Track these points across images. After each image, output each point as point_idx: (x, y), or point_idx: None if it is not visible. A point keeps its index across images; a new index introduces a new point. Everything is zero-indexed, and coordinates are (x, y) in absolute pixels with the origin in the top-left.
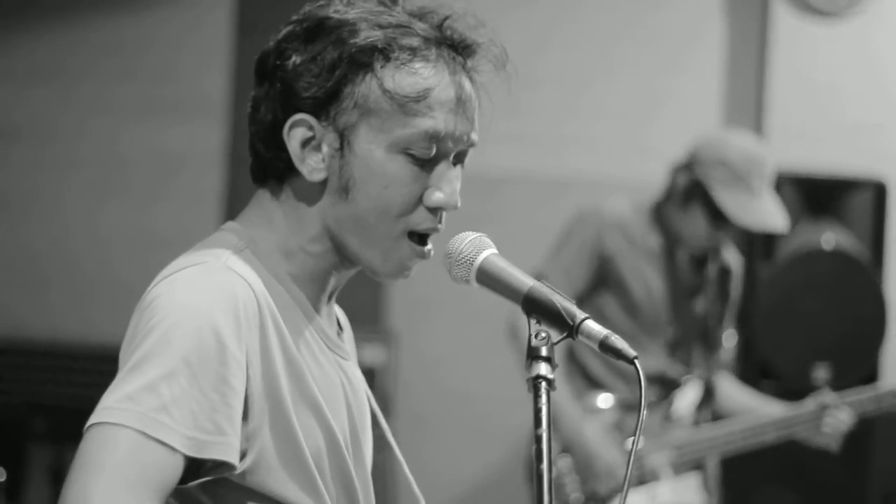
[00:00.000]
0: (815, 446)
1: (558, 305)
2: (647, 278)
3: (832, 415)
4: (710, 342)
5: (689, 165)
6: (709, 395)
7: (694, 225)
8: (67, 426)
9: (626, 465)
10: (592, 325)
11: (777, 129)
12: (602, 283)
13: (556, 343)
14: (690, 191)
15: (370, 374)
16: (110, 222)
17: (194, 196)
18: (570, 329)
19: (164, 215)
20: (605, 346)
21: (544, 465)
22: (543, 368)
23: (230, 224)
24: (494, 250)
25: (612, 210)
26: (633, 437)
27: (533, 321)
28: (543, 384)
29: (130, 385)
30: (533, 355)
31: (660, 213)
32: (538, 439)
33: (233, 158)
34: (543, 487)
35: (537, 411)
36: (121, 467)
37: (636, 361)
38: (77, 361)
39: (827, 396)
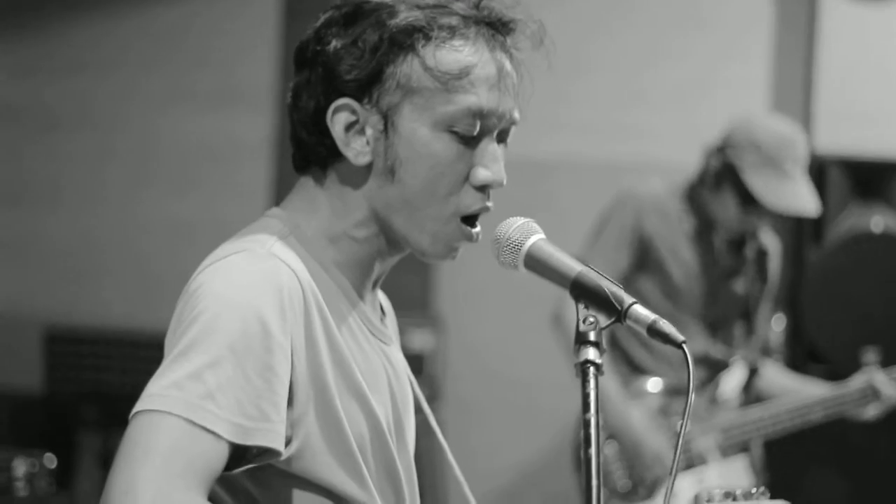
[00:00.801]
0: (862, 421)
1: (606, 290)
2: (685, 260)
3: (881, 393)
4: (751, 323)
5: (721, 148)
6: (753, 376)
7: (726, 208)
8: (116, 413)
9: (675, 449)
10: (640, 310)
11: (825, 113)
12: (642, 265)
13: (604, 328)
14: (722, 174)
15: (418, 360)
16: (153, 211)
17: (238, 186)
18: (617, 314)
19: (209, 205)
20: (653, 331)
21: (592, 450)
22: (591, 353)
23: (274, 210)
24: (542, 235)
25: (649, 192)
26: (681, 421)
27: (581, 306)
28: (591, 369)
29: (176, 372)
30: (581, 340)
31: (693, 196)
32: (586, 424)
33: (280, 148)
34: (592, 472)
35: (585, 396)
36: (166, 455)
37: (684, 346)
38: (124, 349)
39: (875, 375)
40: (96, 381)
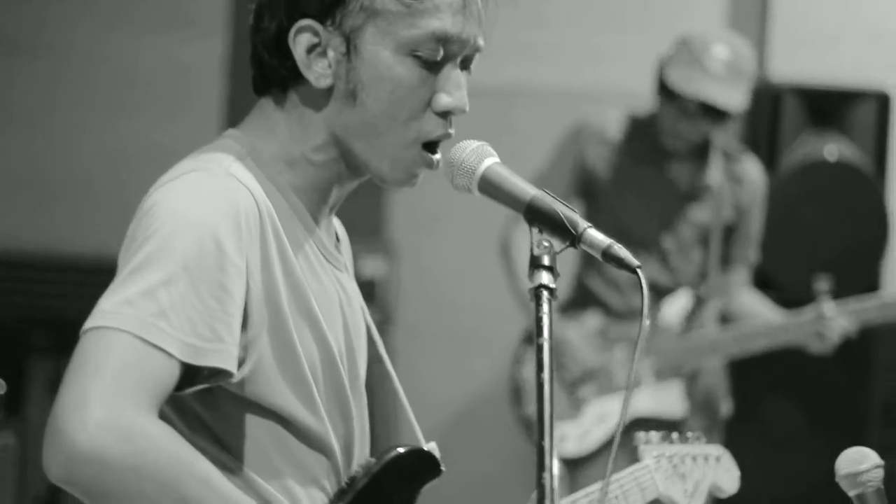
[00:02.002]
0: (811, 353)
1: (561, 214)
2: (634, 188)
3: (828, 324)
4: (712, 251)
5: (662, 57)
6: (700, 305)
7: (661, 115)
8: (66, 339)
9: (626, 393)
10: (595, 234)
11: (780, 40)
12: (590, 197)
13: (558, 252)
14: (657, 79)
15: (370, 286)
16: (102, 136)
17: (188, 110)
18: (572, 238)
19: (159, 129)
20: (608, 255)
21: (545, 375)
22: (545, 278)
23: (231, 131)
24: (497, 159)
25: (597, 123)
26: (618, 344)
27: (535, 230)
28: (545, 293)
29: (129, 290)
30: (535, 264)
31: (650, 120)
32: (539, 349)
33: (231, 72)
34: (545, 397)
35: (538, 320)
36: (117, 372)
37: (639, 271)
38: (73, 274)
39: (825, 306)
40: (46, 308)
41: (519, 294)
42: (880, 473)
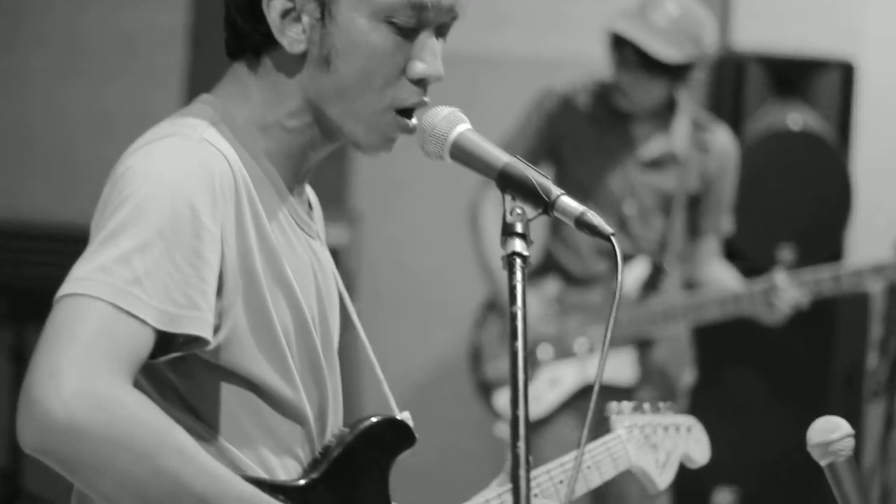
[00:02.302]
0: (764, 324)
1: (533, 181)
2: (598, 155)
3: (780, 295)
4: (674, 219)
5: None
6: (659, 273)
7: (614, 76)
8: (29, 308)
9: (598, 372)
10: (568, 202)
11: (744, 9)
12: (556, 164)
13: (531, 220)
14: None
15: (333, 254)
16: (72, 102)
17: (154, 76)
18: (545, 205)
19: (127, 95)
20: (581, 223)
21: (519, 343)
22: (518, 245)
23: (205, 97)
24: (469, 125)
25: (562, 90)
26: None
27: (508, 197)
28: (518, 261)
29: (103, 256)
30: (508, 232)
31: (608, 86)
32: (513, 317)
33: (195, 37)
34: (518, 365)
35: (512, 288)
36: (92, 339)
37: (612, 238)
38: (40, 242)
39: (778, 276)
40: (9, 275)
41: (484, 262)
42: (851, 443)
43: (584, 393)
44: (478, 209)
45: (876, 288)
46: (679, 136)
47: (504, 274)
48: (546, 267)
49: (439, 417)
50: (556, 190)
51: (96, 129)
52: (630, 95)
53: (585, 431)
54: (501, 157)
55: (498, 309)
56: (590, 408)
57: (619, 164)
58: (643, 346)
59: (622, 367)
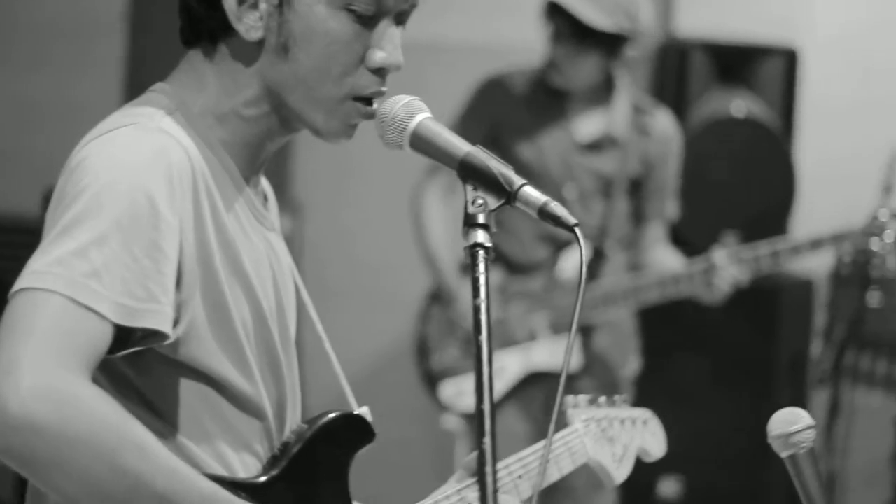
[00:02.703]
0: (704, 303)
1: (495, 171)
2: (538, 137)
3: (719, 273)
4: (615, 204)
5: None
6: (599, 257)
7: (549, 49)
8: None
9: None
10: (531, 192)
11: None
12: (496, 148)
13: (493, 210)
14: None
15: None
16: (17, 91)
17: (91, 64)
18: (507, 195)
19: (60, 83)
20: (545, 213)
21: (483, 337)
22: (481, 236)
23: (160, 85)
24: (429, 114)
25: (497, 74)
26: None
27: (469, 187)
28: (481, 252)
29: (59, 249)
30: (470, 223)
31: (545, 70)
32: (476, 310)
33: (134, 24)
34: (483, 359)
35: (475, 281)
36: (49, 334)
37: (576, 228)
38: None
39: (717, 255)
40: None
41: (428, 253)
42: (812, 434)
43: (528, 382)
44: (420, 199)
45: (821, 272)
46: (619, 118)
47: (445, 263)
48: None
49: (385, 408)
50: (518, 179)
51: (26, 117)
52: (563, 69)
53: (553, 425)
54: (462, 147)
55: (441, 300)
56: (557, 398)
57: (557, 147)
58: (585, 332)
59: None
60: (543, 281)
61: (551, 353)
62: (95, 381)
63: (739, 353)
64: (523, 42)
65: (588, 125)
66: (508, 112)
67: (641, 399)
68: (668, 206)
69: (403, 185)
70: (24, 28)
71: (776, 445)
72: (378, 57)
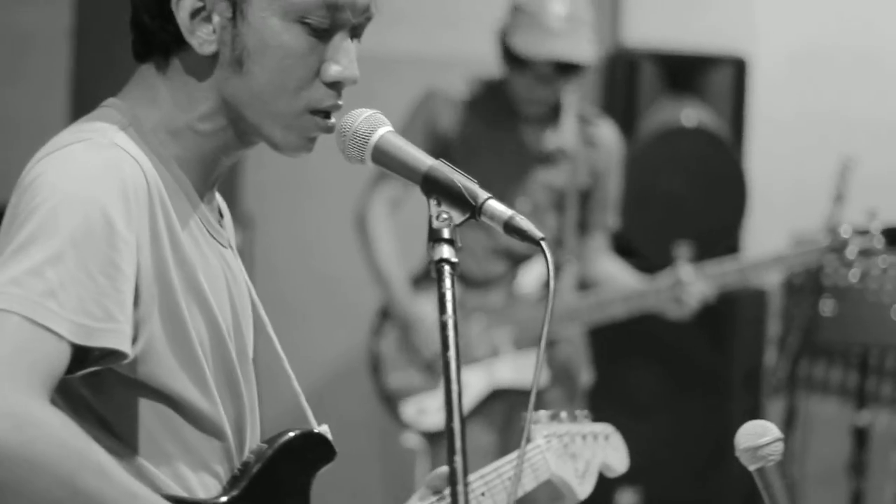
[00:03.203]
0: (669, 319)
1: (460, 185)
2: (487, 153)
3: (687, 289)
4: (568, 216)
5: (500, 24)
6: (556, 270)
7: (512, 83)
8: None
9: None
10: (496, 206)
11: (635, 5)
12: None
13: (458, 225)
14: (501, 47)
15: None
16: None
17: (33, 79)
18: (472, 209)
19: (12, 99)
20: (510, 227)
21: (451, 353)
22: (447, 251)
23: (111, 100)
24: (390, 128)
25: (446, 89)
26: (475, 314)
27: (433, 202)
28: (447, 268)
29: (13, 269)
30: (435, 237)
31: (499, 85)
32: (444, 326)
33: (78, 39)
34: (451, 376)
35: (441, 296)
36: (6, 355)
37: (543, 242)
38: None
39: (683, 270)
40: None
41: (376, 268)
42: (781, 447)
43: (492, 398)
44: (366, 213)
45: (774, 281)
46: (567, 131)
47: (396, 279)
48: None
49: (340, 423)
50: (482, 193)
51: None
52: (538, 102)
53: (524, 441)
54: (425, 161)
55: (394, 318)
56: (527, 414)
57: (509, 162)
58: (550, 346)
59: (530, 369)
60: (503, 296)
61: (515, 368)
62: (52, 402)
63: (694, 362)
64: (468, 54)
65: (539, 139)
66: (457, 126)
67: (598, 410)
68: (611, 217)
69: (355, 196)
70: None
71: (744, 458)
72: (333, 70)
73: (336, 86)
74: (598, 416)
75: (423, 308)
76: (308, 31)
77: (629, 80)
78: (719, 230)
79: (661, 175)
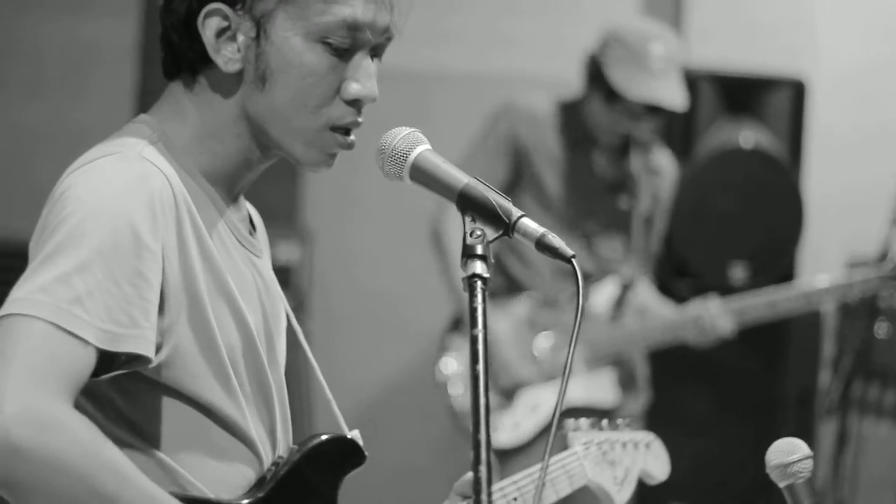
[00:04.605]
0: (697, 348)
1: (494, 203)
2: (561, 172)
3: (708, 322)
4: (633, 239)
5: (593, 51)
6: (626, 292)
7: (596, 111)
8: None
9: (562, 380)
10: (529, 223)
11: (696, 26)
12: (519, 177)
13: (491, 241)
14: (591, 75)
15: (285, 272)
16: (13, 118)
17: (101, 93)
18: (505, 227)
19: (70, 112)
20: (542, 245)
21: (480, 367)
22: (479, 267)
23: (143, 116)
24: (428, 146)
25: (526, 104)
26: (546, 332)
27: (468, 219)
28: (479, 283)
29: (43, 276)
30: (468, 254)
31: (572, 107)
32: (474, 340)
33: (145, 54)
34: (479, 389)
35: (473, 311)
36: (33, 359)
37: (573, 260)
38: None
39: (709, 302)
40: None
41: (450, 280)
42: (810, 464)
43: (563, 416)
44: (440, 227)
45: (828, 307)
46: (634, 157)
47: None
48: (510, 288)
49: (394, 437)
50: (516, 211)
51: (35, 145)
52: (611, 131)
53: (548, 449)
54: (461, 178)
55: (465, 332)
56: (552, 426)
57: (582, 184)
58: (619, 365)
59: (603, 389)
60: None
61: (586, 388)
62: (80, 405)
63: (747, 383)
64: (522, 72)
65: (611, 164)
66: (537, 141)
67: (652, 429)
68: (657, 241)
69: (413, 213)
70: (24, 56)
71: (774, 475)
72: (353, 89)
73: (356, 104)
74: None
75: (498, 325)
76: (329, 50)
77: (689, 101)
78: (775, 251)
79: (718, 196)
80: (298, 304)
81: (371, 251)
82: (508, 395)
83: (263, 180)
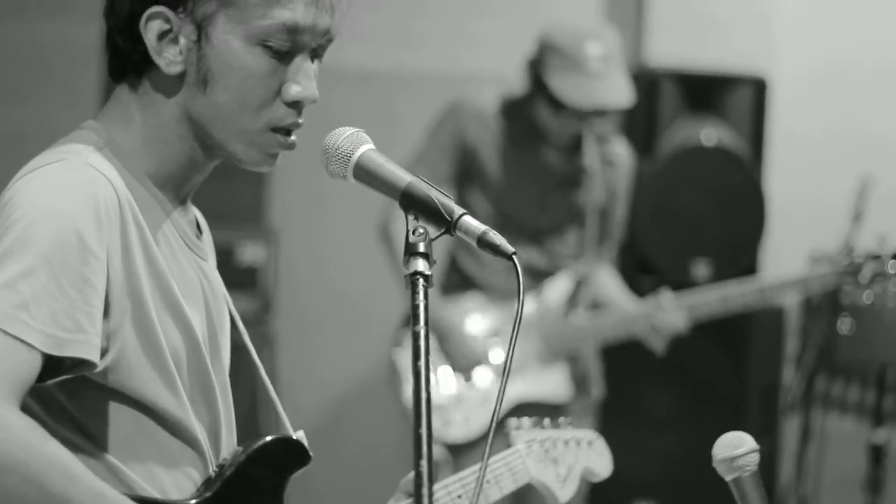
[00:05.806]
0: (648, 345)
1: (436, 201)
2: (511, 169)
3: (660, 317)
4: (588, 233)
5: (532, 57)
6: (580, 287)
7: (543, 116)
8: None
9: (504, 367)
10: (470, 221)
11: (658, 24)
12: (467, 175)
13: (433, 239)
14: (534, 81)
15: (251, 273)
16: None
17: (70, 95)
18: (447, 224)
19: (40, 115)
20: (484, 242)
21: (422, 363)
22: (421, 265)
23: (89, 122)
24: (372, 146)
25: (474, 101)
26: (495, 326)
27: (411, 217)
28: (421, 280)
29: None
30: (410, 251)
31: (519, 105)
32: (416, 336)
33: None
34: (421, 384)
35: (414, 308)
36: None
37: (515, 257)
38: None
39: (662, 298)
40: None
41: (401, 276)
42: (756, 458)
43: (516, 411)
44: (388, 226)
45: (792, 299)
46: (588, 149)
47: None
48: (462, 284)
49: (361, 435)
50: (458, 209)
51: (5, 148)
52: (559, 133)
53: (488, 447)
54: (404, 177)
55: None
56: (491, 423)
57: (533, 179)
58: (571, 361)
59: (555, 384)
60: (533, 308)
61: (538, 383)
62: (28, 407)
63: (711, 378)
64: (487, 72)
65: (563, 158)
66: (486, 138)
67: (614, 426)
68: (618, 231)
69: (378, 212)
70: (5, 61)
71: (721, 469)
72: (293, 91)
73: (296, 105)
74: (613, 432)
75: (453, 316)
76: (269, 53)
77: (650, 98)
78: (738, 248)
79: (680, 193)
80: (265, 305)
81: (337, 250)
82: (467, 375)
83: (228, 181)
